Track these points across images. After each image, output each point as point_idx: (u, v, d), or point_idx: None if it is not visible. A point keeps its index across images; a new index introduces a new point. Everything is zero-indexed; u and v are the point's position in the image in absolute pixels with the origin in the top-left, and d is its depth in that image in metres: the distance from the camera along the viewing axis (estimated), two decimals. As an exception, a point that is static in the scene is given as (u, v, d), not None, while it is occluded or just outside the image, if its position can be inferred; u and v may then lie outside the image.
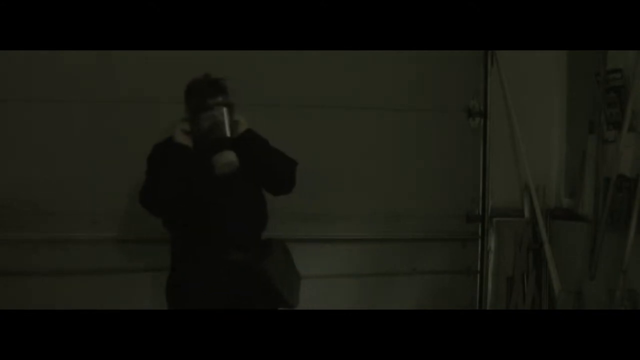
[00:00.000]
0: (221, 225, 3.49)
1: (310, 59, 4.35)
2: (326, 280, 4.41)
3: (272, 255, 3.53)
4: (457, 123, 4.81)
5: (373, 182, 4.63)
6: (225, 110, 3.46)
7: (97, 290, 4.12)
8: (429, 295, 4.71)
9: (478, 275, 4.87)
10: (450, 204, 4.80)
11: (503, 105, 4.74)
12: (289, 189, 3.63)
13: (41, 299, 3.97)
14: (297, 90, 4.44)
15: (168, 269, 3.61)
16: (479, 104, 4.86)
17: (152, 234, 3.89)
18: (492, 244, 4.83)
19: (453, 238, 4.83)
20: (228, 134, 3.45)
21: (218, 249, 3.48)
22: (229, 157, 3.43)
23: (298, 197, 3.78)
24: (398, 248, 4.69)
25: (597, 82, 4.01)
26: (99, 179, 4.13)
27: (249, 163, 3.49)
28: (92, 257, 4.16)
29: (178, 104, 3.58)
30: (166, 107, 4.01)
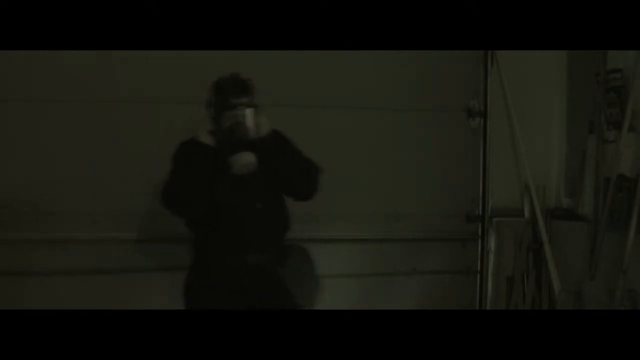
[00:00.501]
0: (241, 227, 3.46)
1: (310, 59, 4.35)
2: (326, 280, 4.39)
3: (288, 259, 3.53)
4: (457, 123, 4.81)
5: (373, 182, 4.63)
6: (248, 111, 3.44)
7: (97, 290, 4.12)
8: (429, 295, 4.70)
9: (478, 275, 4.87)
10: (450, 204, 4.80)
11: (503, 105, 4.74)
12: (308, 196, 3.59)
13: (41, 299, 3.97)
14: (297, 90, 4.43)
15: (168, 268, 3.62)
16: (479, 104, 4.85)
17: (152, 234, 3.88)
18: (492, 244, 4.83)
19: (453, 238, 4.83)
20: (249, 134, 3.43)
21: (237, 250, 3.46)
22: (246, 159, 3.41)
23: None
24: (398, 248, 4.69)
25: (597, 82, 4.01)
26: (99, 179, 4.13)
27: (269, 166, 3.47)
28: (92, 257, 4.16)
29: (178, 104, 3.58)
30: (166, 107, 4.01)
